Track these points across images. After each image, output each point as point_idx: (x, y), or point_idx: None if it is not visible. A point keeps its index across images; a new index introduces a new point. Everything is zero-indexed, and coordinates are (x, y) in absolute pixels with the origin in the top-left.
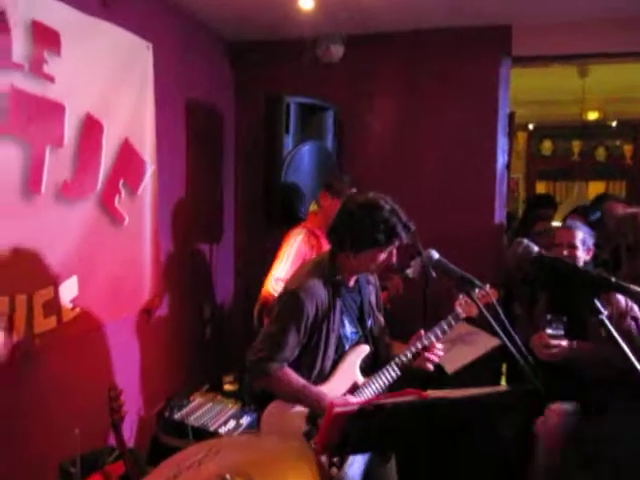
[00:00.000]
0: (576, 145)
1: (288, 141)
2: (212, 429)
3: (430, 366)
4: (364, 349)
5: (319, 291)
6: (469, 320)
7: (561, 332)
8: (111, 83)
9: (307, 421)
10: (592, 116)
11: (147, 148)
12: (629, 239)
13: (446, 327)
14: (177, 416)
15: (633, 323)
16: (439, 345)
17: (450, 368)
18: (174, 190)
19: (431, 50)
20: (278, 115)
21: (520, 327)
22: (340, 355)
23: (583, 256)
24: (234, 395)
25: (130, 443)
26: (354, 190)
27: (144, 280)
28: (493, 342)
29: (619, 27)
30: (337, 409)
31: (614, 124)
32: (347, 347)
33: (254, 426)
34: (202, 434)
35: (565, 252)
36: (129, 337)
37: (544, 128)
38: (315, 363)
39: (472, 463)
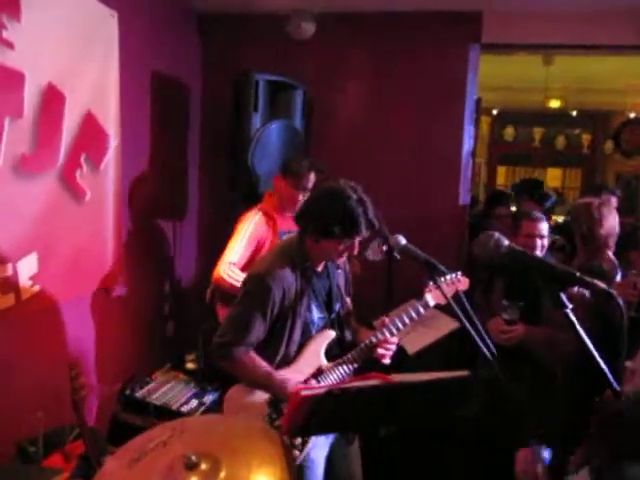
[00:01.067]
0: (537, 132)
1: (256, 119)
2: (174, 408)
3: (385, 360)
4: (330, 334)
5: (287, 277)
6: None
7: (516, 317)
8: (74, 52)
9: (269, 405)
10: (554, 104)
11: (111, 121)
12: (583, 228)
13: (414, 314)
14: (139, 394)
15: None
16: (394, 339)
17: (411, 349)
18: (138, 165)
19: (402, 33)
20: (247, 92)
21: (478, 312)
22: (306, 340)
23: (543, 245)
24: (196, 374)
25: (90, 421)
26: (312, 174)
27: (105, 257)
28: (453, 324)
29: (584, 20)
30: (304, 392)
31: (574, 113)
32: (313, 332)
33: (217, 405)
34: (164, 413)
35: (532, 242)
36: (89, 314)
37: (507, 114)
38: (279, 348)
39: (437, 444)
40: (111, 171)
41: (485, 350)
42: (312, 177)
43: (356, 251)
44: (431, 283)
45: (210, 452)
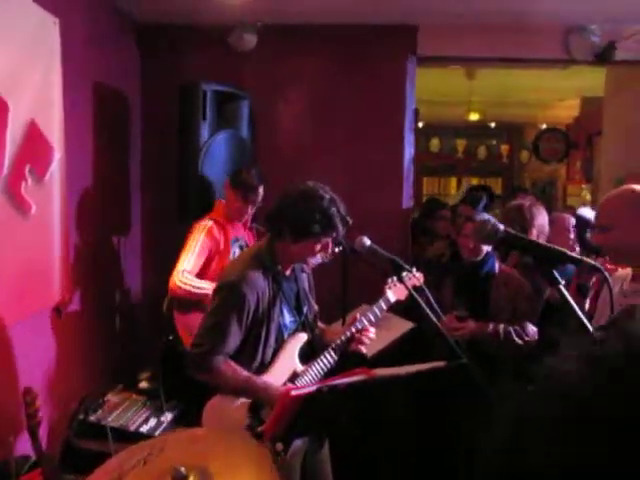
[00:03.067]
0: (460, 144)
1: (204, 129)
2: (132, 429)
3: (364, 349)
4: (302, 337)
5: (259, 282)
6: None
7: (466, 314)
8: (17, 58)
9: (249, 413)
10: (474, 117)
11: (55, 133)
12: (516, 228)
13: (378, 311)
14: (93, 418)
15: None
16: (372, 329)
17: (369, 352)
18: (81, 179)
19: (342, 45)
20: (194, 102)
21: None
22: (279, 344)
23: (486, 247)
24: (150, 393)
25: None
26: (261, 187)
27: (53, 275)
28: (407, 325)
29: (512, 34)
30: (294, 392)
31: (493, 125)
32: (286, 336)
33: (176, 423)
34: (122, 435)
35: (471, 245)
36: (38, 335)
37: (432, 127)
38: (256, 354)
39: (425, 435)
40: (56, 184)
41: (450, 340)
42: (261, 191)
43: (330, 250)
44: (390, 280)
45: (197, 464)
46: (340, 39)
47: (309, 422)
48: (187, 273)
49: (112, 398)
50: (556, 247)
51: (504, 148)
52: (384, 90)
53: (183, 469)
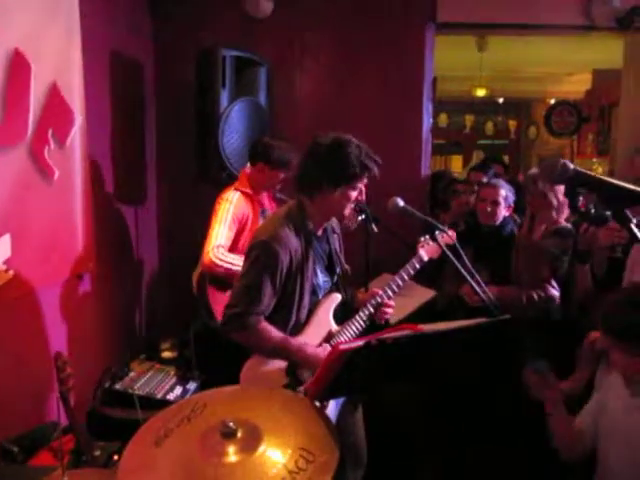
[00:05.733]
0: (469, 119)
1: (224, 97)
2: (159, 397)
3: (388, 317)
4: (336, 297)
5: (292, 240)
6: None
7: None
8: (38, 18)
9: (286, 374)
10: (481, 93)
11: (75, 97)
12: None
13: (411, 270)
14: (118, 386)
15: None
16: (392, 302)
17: (393, 319)
18: (100, 146)
19: (361, 12)
20: (214, 68)
21: (448, 279)
22: (314, 305)
23: (503, 212)
24: (173, 362)
25: (63, 417)
26: (294, 157)
27: (76, 241)
28: (430, 293)
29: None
30: (342, 346)
31: (501, 101)
32: (320, 296)
33: (203, 390)
34: (149, 403)
35: (488, 208)
36: (62, 303)
37: (440, 102)
38: (291, 314)
39: (467, 395)
40: (77, 150)
41: (482, 295)
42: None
43: (364, 197)
44: (422, 239)
45: (243, 419)
46: (358, 6)
47: (354, 379)
48: (222, 249)
49: (136, 367)
50: (628, 185)
51: (512, 124)
52: (403, 58)
53: (232, 423)
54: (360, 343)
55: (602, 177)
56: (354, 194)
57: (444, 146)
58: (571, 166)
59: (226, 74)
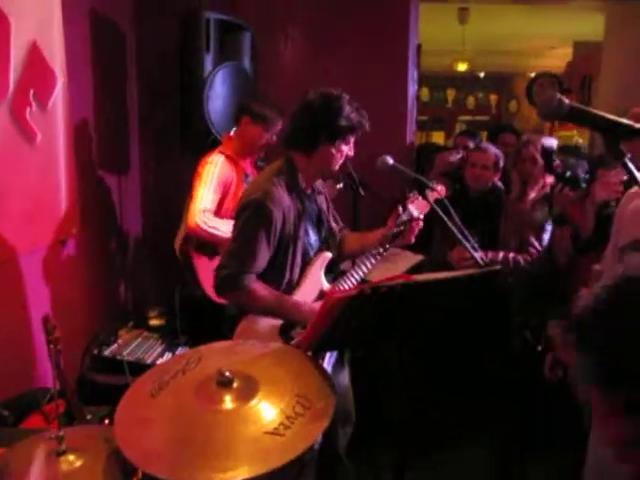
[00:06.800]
0: (450, 93)
1: (208, 61)
2: (149, 362)
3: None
4: (327, 256)
5: (284, 199)
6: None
7: (475, 245)
8: None
9: (280, 333)
10: (462, 67)
11: (57, 59)
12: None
13: (402, 226)
14: (107, 352)
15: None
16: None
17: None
18: (82, 110)
19: None
20: (197, 32)
21: (435, 244)
22: (306, 263)
23: (492, 176)
24: (161, 330)
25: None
26: (279, 119)
27: (60, 206)
28: (416, 258)
29: None
30: (336, 295)
31: (482, 75)
32: (312, 255)
33: None
34: (139, 368)
35: (477, 172)
36: (46, 269)
37: (422, 77)
38: (284, 273)
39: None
40: (59, 113)
41: (472, 252)
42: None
43: (352, 153)
44: (411, 195)
45: (240, 370)
46: None
47: (347, 330)
48: (208, 213)
49: (124, 335)
50: (622, 120)
51: (493, 99)
52: (388, 24)
53: (228, 372)
54: (354, 292)
55: (597, 112)
56: (346, 149)
57: (426, 122)
58: (567, 101)
59: (210, 38)
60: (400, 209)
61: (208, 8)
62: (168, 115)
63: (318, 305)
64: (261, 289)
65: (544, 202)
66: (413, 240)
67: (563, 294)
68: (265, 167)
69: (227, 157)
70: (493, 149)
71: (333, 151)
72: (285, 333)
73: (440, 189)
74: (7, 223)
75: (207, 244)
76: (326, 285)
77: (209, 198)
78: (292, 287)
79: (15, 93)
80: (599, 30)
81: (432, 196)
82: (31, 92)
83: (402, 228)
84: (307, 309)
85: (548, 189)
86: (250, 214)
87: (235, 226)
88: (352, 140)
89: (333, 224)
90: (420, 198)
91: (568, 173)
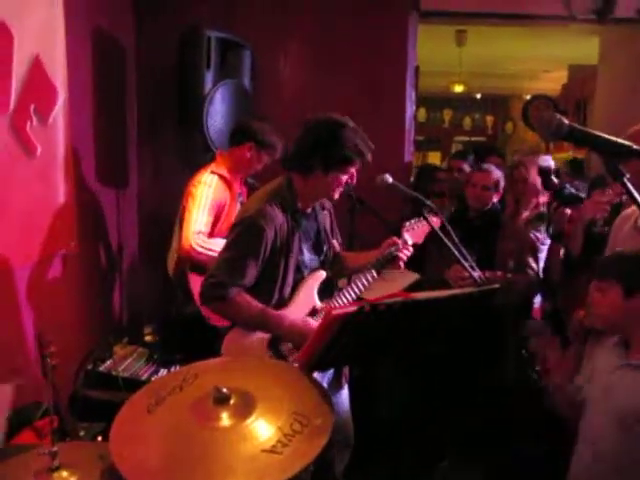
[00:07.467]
0: (447, 114)
1: (208, 78)
2: (144, 378)
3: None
4: (321, 274)
5: (278, 217)
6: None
7: (473, 264)
8: None
9: (268, 347)
10: (459, 89)
11: (58, 74)
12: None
13: (395, 252)
14: (102, 368)
15: None
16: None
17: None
18: (82, 125)
19: None
20: (198, 49)
21: (431, 263)
22: (298, 282)
23: (493, 197)
24: (156, 346)
25: (46, 398)
26: (281, 144)
27: (58, 220)
28: (412, 277)
29: None
30: (336, 311)
31: (478, 97)
32: (305, 274)
33: None
34: (134, 384)
35: (478, 192)
36: (43, 282)
37: (418, 97)
38: (274, 291)
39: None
40: (60, 127)
41: (474, 274)
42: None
43: (354, 181)
44: (407, 224)
45: (237, 387)
46: None
47: (345, 348)
48: (202, 235)
49: (119, 351)
50: (622, 140)
51: (489, 120)
52: (387, 45)
53: (225, 389)
54: (353, 308)
55: (596, 132)
56: (345, 178)
57: (422, 142)
58: (566, 122)
59: (211, 55)
60: (395, 238)
61: (209, 26)
62: (167, 131)
63: (300, 320)
64: (245, 301)
65: (538, 221)
66: (402, 266)
67: (557, 310)
68: (255, 184)
69: (220, 177)
70: (495, 170)
71: (328, 180)
72: (274, 346)
73: (436, 220)
74: (4, 235)
75: (203, 265)
76: (318, 303)
77: (203, 220)
78: (282, 304)
79: (16, 107)
80: (593, 54)
81: (431, 221)
82: (32, 107)
83: (395, 254)
84: (288, 324)
85: (542, 208)
86: (242, 229)
87: (227, 239)
88: (352, 170)
89: (334, 241)
90: (416, 228)
91: (567, 191)
